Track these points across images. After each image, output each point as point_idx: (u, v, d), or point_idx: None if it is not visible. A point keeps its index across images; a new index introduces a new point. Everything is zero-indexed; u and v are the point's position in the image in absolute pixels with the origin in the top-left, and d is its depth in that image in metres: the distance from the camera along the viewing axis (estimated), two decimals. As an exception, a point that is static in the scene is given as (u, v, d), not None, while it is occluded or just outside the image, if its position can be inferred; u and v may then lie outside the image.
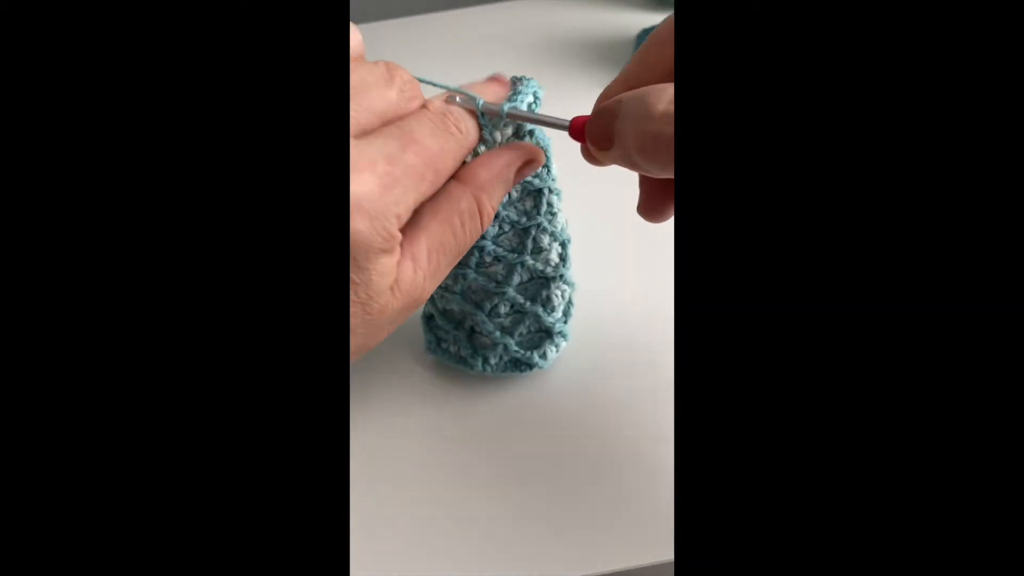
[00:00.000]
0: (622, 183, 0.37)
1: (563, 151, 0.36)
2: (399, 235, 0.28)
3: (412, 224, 0.29)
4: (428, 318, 0.43)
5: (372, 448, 0.40)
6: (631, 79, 0.30)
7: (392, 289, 0.28)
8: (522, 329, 0.40)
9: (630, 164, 0.29)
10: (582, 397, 0.41)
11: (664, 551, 0.34)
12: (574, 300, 0.41)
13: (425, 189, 0.29)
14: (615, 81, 0.31)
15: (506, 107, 0.32)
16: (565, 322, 0.41)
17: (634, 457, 0.38)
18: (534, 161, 0.33)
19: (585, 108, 0.31)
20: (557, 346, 0.41)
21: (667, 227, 0.35)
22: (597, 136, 0.29)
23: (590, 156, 0.31)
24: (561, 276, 0.39)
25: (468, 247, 0.32)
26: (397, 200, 0.27)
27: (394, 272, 0.28)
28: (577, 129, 0.31)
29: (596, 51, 0.71)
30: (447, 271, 0.32)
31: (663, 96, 0.26)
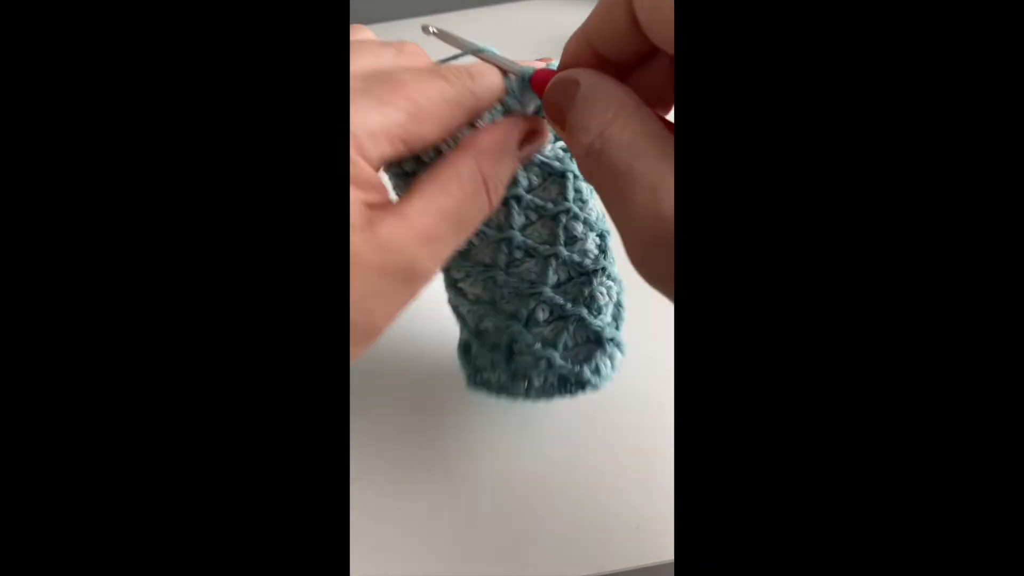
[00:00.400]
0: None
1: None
2: (364, 162, 0.25)
3: (408, 190, 0.28)
4: (465, 348, 0.38)
5: (372, 448, 0.40)
6: (591, 34, 0.28)
7: (362, 231, 0.25)
8: (567, 339, 0.35)
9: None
10: (582, 397, 0.41)
11: (664, 551, 0.34)
12: (624, 302, 0.36)
13: (401, 120, 0.26)
14: (574, 36, 0.29)
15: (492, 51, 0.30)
16: (617, 328, 0.36)
17: (634, 456, 0.38)
18: (537, 132, 0.31)
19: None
20: (611, 358, 0.35)
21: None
22: (552, 111, 0.28)
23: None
24: (604, 270, 0.34)
25: (475, 220, 0.29)
26: (363, 122, 0.25)
27: (363, 211, 0.25)
28: (537, 84, 0.29)
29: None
30: (450, 244, 0.28)
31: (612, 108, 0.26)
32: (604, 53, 0.28)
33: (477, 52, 0.31)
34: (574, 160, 0.32)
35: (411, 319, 0.38)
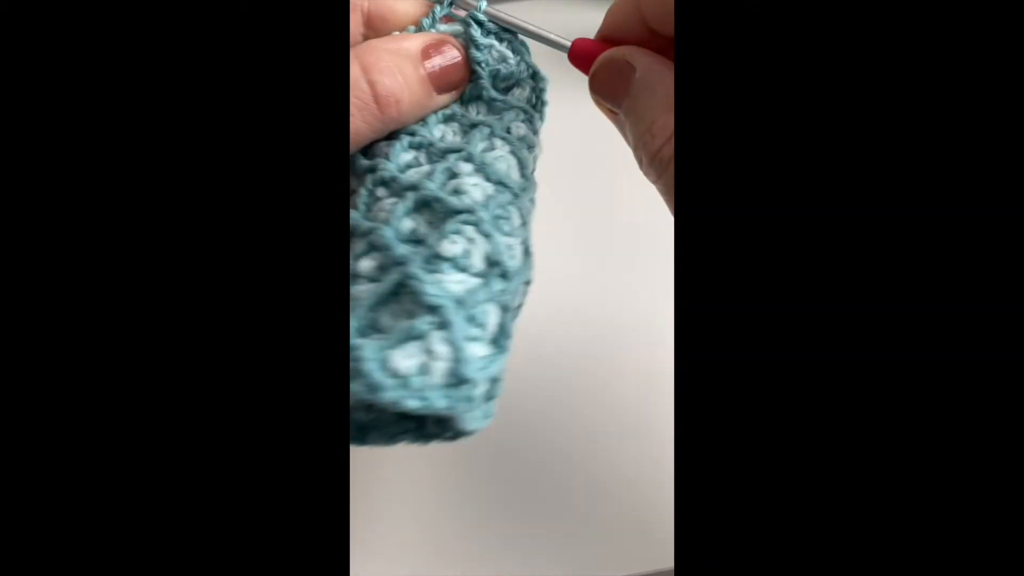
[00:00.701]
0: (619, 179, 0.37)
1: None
2: None
3: None
4: None
5: (371, 451, 0.40)
6: (644, 2, 0.27)
7: None
8: (382, 309, 0.22)
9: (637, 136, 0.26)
10: (583, 402, 0.41)
11: (664, 559, 0.34)
12: (496, 290, 0.22)
13: None
14: (624, 2, 0.28)
15: (483, 5, 0.28)
16: (469, 321, 0.21)
17: (635, 464, 0.38)
18: (442, 43, 0.28)
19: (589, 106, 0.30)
20: (428, 355, 0.20)
21: (666, 229, 0.34)
22: (607, 90, 0.27)
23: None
24: (473, 215, 0.23)
25: (361, 133, 0.26)
26: None
27: None
28: (581, 57, 0.28)
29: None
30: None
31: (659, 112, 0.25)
32: (656, 26, 0.27)
33: (497, 21, 0.29)
34: (498, 121, 0.28)
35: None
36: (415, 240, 0.23)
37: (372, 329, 0.21)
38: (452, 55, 0.28)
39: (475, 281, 0.22)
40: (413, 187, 0.24)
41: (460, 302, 0.21)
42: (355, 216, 0.25)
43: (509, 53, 0.30)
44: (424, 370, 0.20)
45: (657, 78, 0.26)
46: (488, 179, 0.25)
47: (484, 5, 0.29)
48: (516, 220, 0.25)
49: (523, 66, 0.30)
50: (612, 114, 0.28)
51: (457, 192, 0.24)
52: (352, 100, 0.25)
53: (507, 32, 0.30)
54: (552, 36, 0.29)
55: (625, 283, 0.47)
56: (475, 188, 0.24)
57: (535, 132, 0.29)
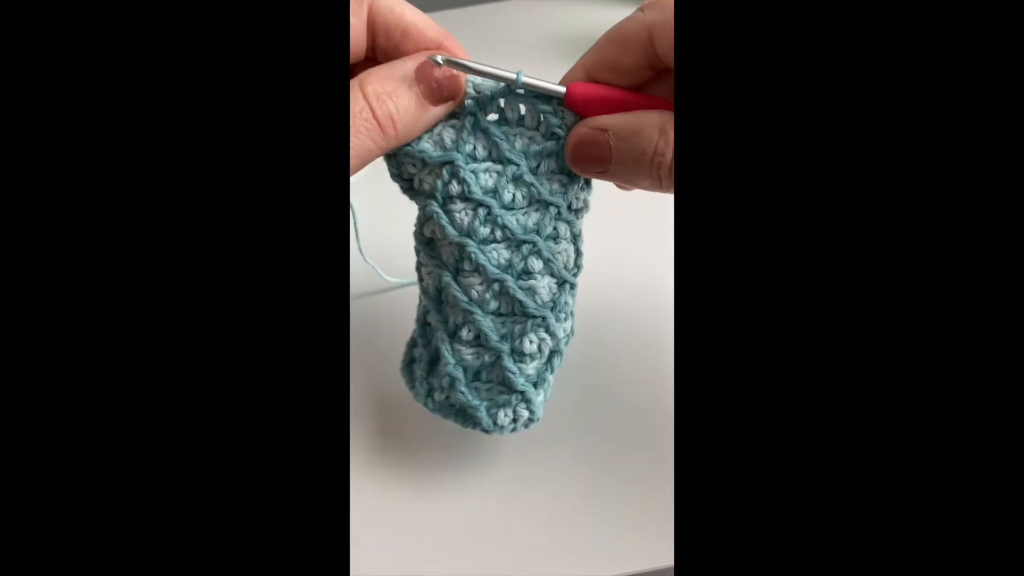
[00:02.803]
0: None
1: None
2: None
3: None
4: (412, 338, 0.38)
5: (372, 451, 0.40)
6: (591, 70, 0.32)
7: None
8: (479, 367, 0.34)
9: (626, 183, 0.31)
10: (583, 402, 0.41)
11: (664, 556, 0.34)
12: (555, 365, 0.34)
13: None
14: (574, 70, 0.32)
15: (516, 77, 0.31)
16: (535, 387, 0.34)
17: (635, 462, 0.38)
18: (437, 55, 0.31)
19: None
20: (515, 413, 0.34)
21: (666, 229, 0.34)
22: (591, 162, 0.31)
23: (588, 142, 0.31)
24: (544, 321, 0.33)
25: (370, 150, 0.30)
26: None
27: None
28: (578, 101, 0.31)
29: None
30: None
31: (656, 132, 0.28)
32: (602, 79, 0.31)
33: (496, 76, 0.31)
34: (564, 201, 0.33)
35: (412, 318, 0.38)
36: (501, 335, 0.34)
37: (476, 379, 0.35)
38: (446, 70, 0.31)
39: (543, 364, 0.35)
40: (499, 281, 0.33)
41: (535, 384, 0.34)
42: (446, 280, 0.34)
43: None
44: (514, 421, 0.34)
45: (631, 120, 0.30)
46: (552, 275, 0.33)
47: (522, 77, 0.31)
48: (571, 305, 0.35)
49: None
50: (600, 174, 0.31)
51: (532, 291, 0.33)
52: (360, 124, 0.30)
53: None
54: (547, 84, 0.31)
55: (626, 282, 0.47)
56: (544, 290, 0.33)
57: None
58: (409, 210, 0.35)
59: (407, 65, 0.31)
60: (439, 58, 0.30)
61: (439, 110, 0.32)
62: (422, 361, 0.36)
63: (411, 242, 0.35)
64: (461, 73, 0.31)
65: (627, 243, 0.49)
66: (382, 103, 0.30)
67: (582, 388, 0.42)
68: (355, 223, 0.46)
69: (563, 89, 0.31)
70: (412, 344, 0.38)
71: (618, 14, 0.32)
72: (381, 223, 0.46)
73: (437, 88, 0.31)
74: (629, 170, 0.30)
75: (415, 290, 0.37)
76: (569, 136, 0.31)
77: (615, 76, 0.31)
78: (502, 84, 0.31)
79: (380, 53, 0.32)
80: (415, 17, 0.32)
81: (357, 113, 0.29)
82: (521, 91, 0.31)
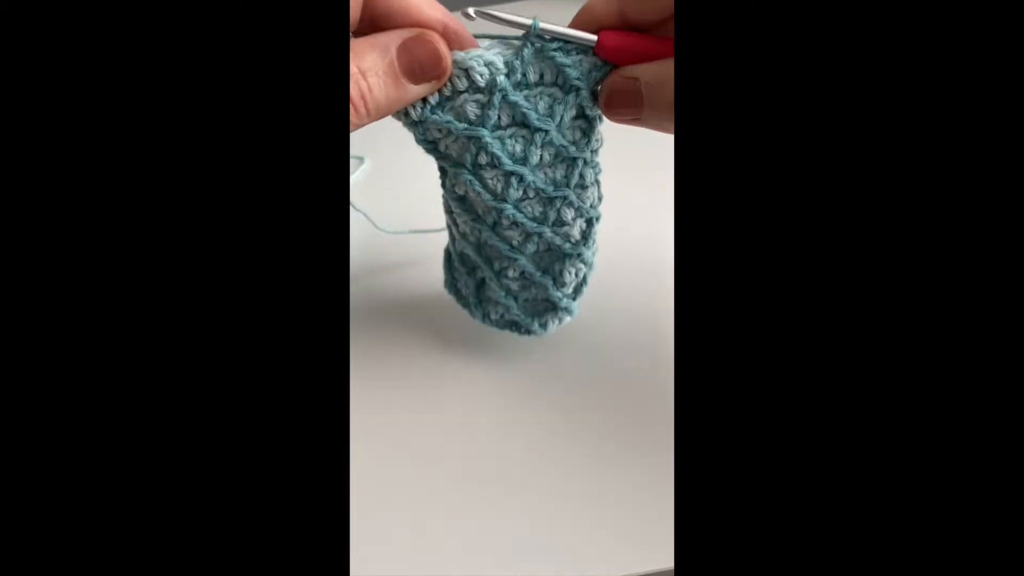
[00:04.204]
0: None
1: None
2: None
3: None
4: (448, 258, 0.42)
5: (371, 451, 0.40)
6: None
7: None
8: (528, 296, 0.40)
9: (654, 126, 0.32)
10: (583, 403, 0.41)
11: (664, 559, 0.34)
12: (588, 280, 0.39)
13: None
14: (597, 4, 0.32)
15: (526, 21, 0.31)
16: (574, 299, 0.40)
17: (634, 464, 0.38)
18: (420, 36, 0.31)
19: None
20: (560, 320, 0.40)
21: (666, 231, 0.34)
22: (624, 109, 0.32)
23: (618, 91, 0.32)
24: (579, 255, 0.38)
25: (356, 100, 0.30)
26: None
27: None
28: (610, 51, 0.31)
29: None
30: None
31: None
32: (633, 16, 0.31)
33: (521, 26, 0.31)
34: (587, 149, 0.34)
35: (414, 308, 0.38)
36: (543, 270, 0.38)
37: (526, 304, 0.40)
38: (429, 49, 0.31)
39: (580, 281, 0.39)
40: (539, 235, 0.36)
41: (575, 297, 0.40)
42: (486, 234, 0.37)
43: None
44: (559, 323, 0.41)
45: (662, 68, 0.30)
46: (582, 215, 0.36)
47: (539, 24, 0.31)
48: (596, 229, 0.38)
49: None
50: (635, 121, 0.32)
51: (567, 236, 0.37)
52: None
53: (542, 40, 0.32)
54: (578, 33, 0.31)
55: (627, 279, 0.47)
56: (576, 231, 0.37)
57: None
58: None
59: (387, 40, 0.30)
60: (471, 10, 0.31)
61: (420, 89, 0.31)
62: (468, 286, 0.41)
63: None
64: (445, 55, 0.31)
65: (627, 244, 0.49)
66: (355, 80, 0.29)
67: (582, 390, 0.42)
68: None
69: (594, 38, 0.31)
70: (449, 261, 0.42)
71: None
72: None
73: (419, 68, 0.31)
74: (660, 115, 0.31)
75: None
76: (604, 84, 0.32)
77: (635, 7, 0.31)
78: (518, 53, 0.32)
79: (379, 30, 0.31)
80: None
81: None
82: (544, 40, 0.31)
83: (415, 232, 0.50)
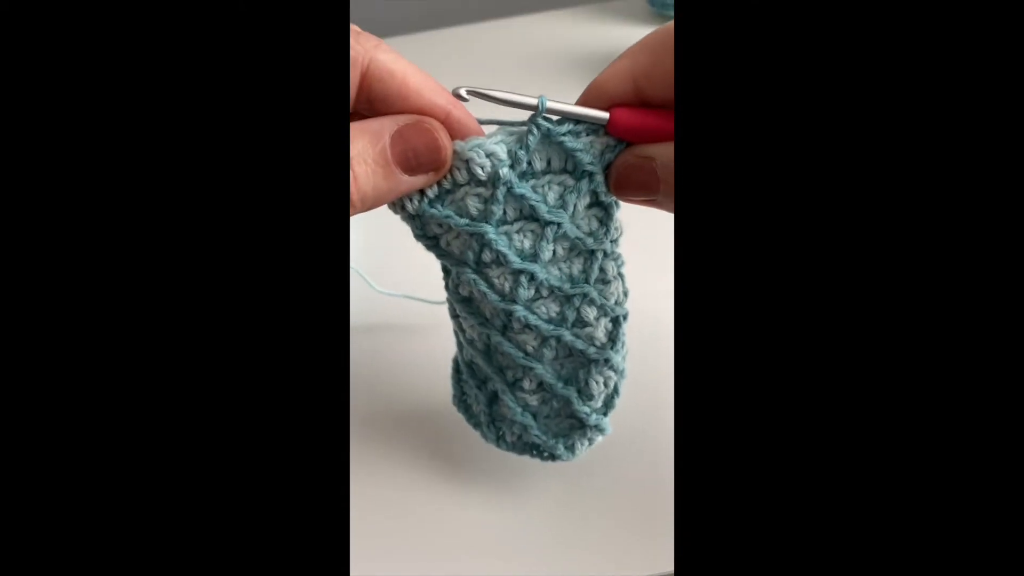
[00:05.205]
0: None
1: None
2: None
3: None
4: (456, 368, 0.37)
5: (371, 452, 0.40)
6: (639, 78, 0.28)
7: None
8: (548, 411, 0.34)
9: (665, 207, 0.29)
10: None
11: (664, 563, 0.34)
12: (620, 390, 0.34)
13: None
14: (612, 78, 0.29)
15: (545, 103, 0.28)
16: (604, 414, 0.34)
17: (635, 467, 0.38)
18: (418, 124, 0.28)
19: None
20: (590, 440, 0.34)
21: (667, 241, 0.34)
22: (637, 190, 0.29)
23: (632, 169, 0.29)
24: (607, 360, 0.32)
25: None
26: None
27: None
28: (621, 129, 0.28)
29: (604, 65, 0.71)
30: None
31: None
32: (649, 91, 0.28)
33: (524, 106, 0.28)
34: (607, 240, 0.30)
35: (417, 316, 0.38)
36: (565, 380, 0.33)
37: (548, 421, 0.34)
38: (427, 138, 0.28)
39: (611, 393, 0.34)
40: (557, 338, 0.32)
41: (605, 412, 0.34)
42: (496, 339, 0.32)
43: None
44: (590, 444, 0.35)
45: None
46: (607, 315, 0.32)
47: (546, 102, 0.28)
48: (624, 328, 0.33)
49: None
50: (647, 202, 0.29)
51: (590, 338, 0.32)
52: None
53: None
54: (588, 111, 0.28)
55: (629, 286, 0.47)
56: (602, 332, 0.32)
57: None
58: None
59: (379, 125, 0.27)
60: (463, 91, 0.27)
61: (415, 180, 0.28)
62: (479, 402, 0.35)
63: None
64: (446, 145, 0.28)
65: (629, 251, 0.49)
66: (356, 171, 0.27)
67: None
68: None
69: (606, 115, 0.28)
70: (457, 373, 0.37)
71: (626, 31, 0.31)
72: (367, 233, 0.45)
73: (415, 158, 0.28)
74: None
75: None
76: (615, 164, 0.29)
77: (651, 86, 0.28)
78: (522, 141, 0.28)
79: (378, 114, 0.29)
80: (419, 82, 0.28)
81: None
82: (550, 122, 0.28)
83: (409, 298, 0.46)
